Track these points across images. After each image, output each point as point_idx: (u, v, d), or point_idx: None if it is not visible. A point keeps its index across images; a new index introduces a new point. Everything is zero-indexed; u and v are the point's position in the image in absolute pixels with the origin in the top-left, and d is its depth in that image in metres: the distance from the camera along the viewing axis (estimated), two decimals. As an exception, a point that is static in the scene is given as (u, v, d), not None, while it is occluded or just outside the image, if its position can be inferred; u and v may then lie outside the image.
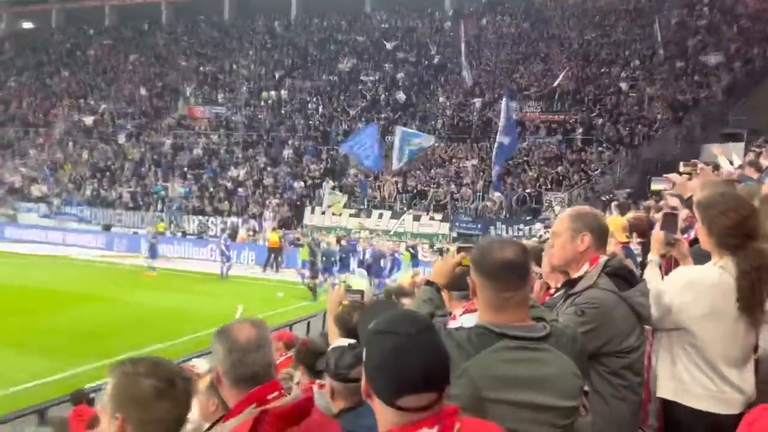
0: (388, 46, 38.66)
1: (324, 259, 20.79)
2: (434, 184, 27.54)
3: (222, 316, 15.09)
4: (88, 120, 38.51)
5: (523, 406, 1.91)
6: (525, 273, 2.04)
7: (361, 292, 3.30)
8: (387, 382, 1.54)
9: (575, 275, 2.72)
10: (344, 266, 21.13)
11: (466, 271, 2.39)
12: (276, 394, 2.02)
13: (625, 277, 2.69)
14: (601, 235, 2.74)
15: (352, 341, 2.86)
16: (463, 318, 2.28)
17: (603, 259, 2.69)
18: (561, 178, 25.37)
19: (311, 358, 3.47)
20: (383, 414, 1.57)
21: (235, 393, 2.04)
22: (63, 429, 7.13)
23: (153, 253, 22.79)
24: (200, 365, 6.90)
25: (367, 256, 21.59)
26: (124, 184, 32.81)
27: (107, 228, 30.70)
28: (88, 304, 17.06)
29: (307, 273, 20.31)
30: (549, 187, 25.14)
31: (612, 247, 3.27)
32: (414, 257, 23.01)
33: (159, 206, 31.00)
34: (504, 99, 23.05)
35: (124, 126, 37.79)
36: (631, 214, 6.00)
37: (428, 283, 2.79)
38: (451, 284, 2.74)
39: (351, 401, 2.65)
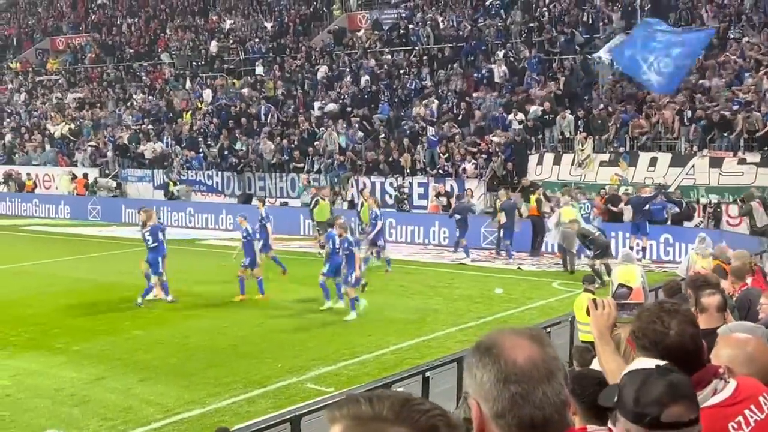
0: None
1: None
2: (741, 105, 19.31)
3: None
4: (211, 46, 31.81)
5: None
6: None
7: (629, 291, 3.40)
8: None
9: None
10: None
11: None
12: None
13: None
14: None
15: (660, 362, 2.20)
16: None
17: None
18: None
19: (590, 390, 2.75)
20: None
21: None
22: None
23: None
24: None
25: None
26: (264, 135, 25.68)
27: (247, 200, 23.91)
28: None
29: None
30: None
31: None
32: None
33: (314, 166, 24.00)
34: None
35: (258, 51, 30.90)
36: None
37: None
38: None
39: None
